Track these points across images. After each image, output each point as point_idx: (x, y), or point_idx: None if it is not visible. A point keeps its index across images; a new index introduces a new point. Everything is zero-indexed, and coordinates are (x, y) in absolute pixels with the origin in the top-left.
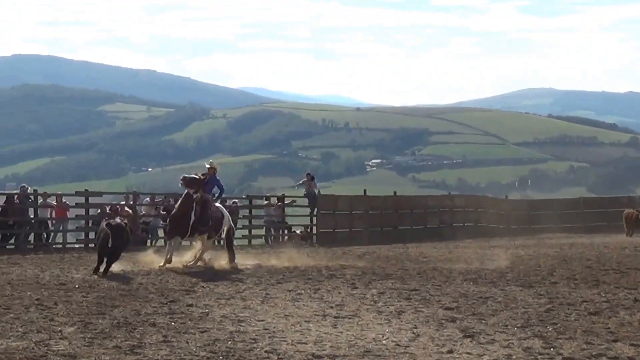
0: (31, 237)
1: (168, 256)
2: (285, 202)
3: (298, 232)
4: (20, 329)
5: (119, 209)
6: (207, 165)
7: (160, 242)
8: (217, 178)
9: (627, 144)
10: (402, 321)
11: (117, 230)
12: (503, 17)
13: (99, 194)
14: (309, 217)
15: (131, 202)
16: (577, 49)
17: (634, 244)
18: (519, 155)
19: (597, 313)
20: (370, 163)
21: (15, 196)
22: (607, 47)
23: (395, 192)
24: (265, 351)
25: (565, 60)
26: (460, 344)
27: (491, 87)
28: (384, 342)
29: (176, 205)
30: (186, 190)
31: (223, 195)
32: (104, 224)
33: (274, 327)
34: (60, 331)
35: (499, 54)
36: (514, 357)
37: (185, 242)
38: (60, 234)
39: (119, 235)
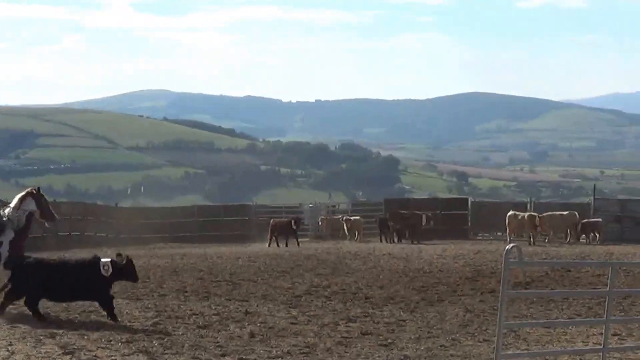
0: None
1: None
2: None
3: None
4: None
5: None
6: None
7: None
8: None
9: (244, 150)
10: None
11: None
12: (120, 14)
13: None
14: None
15: None
16: (195, 51)
17: (248, 254)
18: (131, 160)
19: (206, 326)
20: None
21: None
22: (224, 50)
23: None
24: None
25: (182, 61)
26: None
27: (105, 87)
28: None
29: (15, 232)
30: (29, 212)
31: None
32: (105, 258)
33: None
34: None
35: (114, 52)
36: None
37: None
38: None
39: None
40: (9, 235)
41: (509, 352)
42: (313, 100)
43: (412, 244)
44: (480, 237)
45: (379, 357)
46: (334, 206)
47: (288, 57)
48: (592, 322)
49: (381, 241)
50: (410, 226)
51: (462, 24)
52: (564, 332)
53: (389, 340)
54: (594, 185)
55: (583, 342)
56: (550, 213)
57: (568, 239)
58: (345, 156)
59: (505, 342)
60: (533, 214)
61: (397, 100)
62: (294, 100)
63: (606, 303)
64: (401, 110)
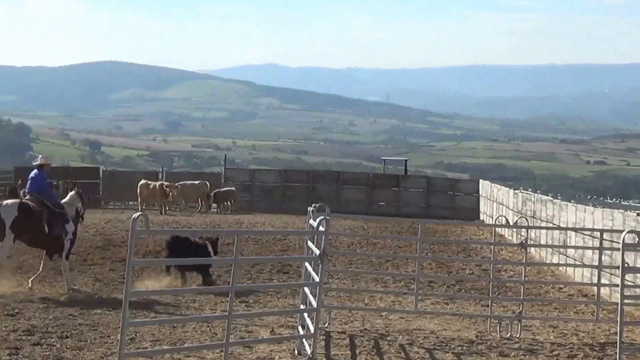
0: None
1: None
2: None
3: None
4: None
5: None
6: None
7: None
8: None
9: None
10: None
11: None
12: None
13: None
14: None
15: None
16: None
17: None
18: None
19: None
20: None
21: None
22: None
23: None
24: None
25: None
26: None
27: None
28: None
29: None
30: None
31: None
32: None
33: None
34: None
35: None
36: None
37: None
38: None
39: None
40: (72, 226)
41: (137, 320)
42: None
43: None
44: (112, 206)
45: (6, 327)
46: None
47: None
48: (219, 290)
49: None
50: None
51: None
52: (192, 299)
53: (16, 310)
54: (225, 155)
55: (211, 309)
56: (182, 182)
57: (199, 208)
58: None
59: (134, 311)
60: (164, 183)
61: (29, 67)
62: None
63: (232, 271)
64: (33, 77)
